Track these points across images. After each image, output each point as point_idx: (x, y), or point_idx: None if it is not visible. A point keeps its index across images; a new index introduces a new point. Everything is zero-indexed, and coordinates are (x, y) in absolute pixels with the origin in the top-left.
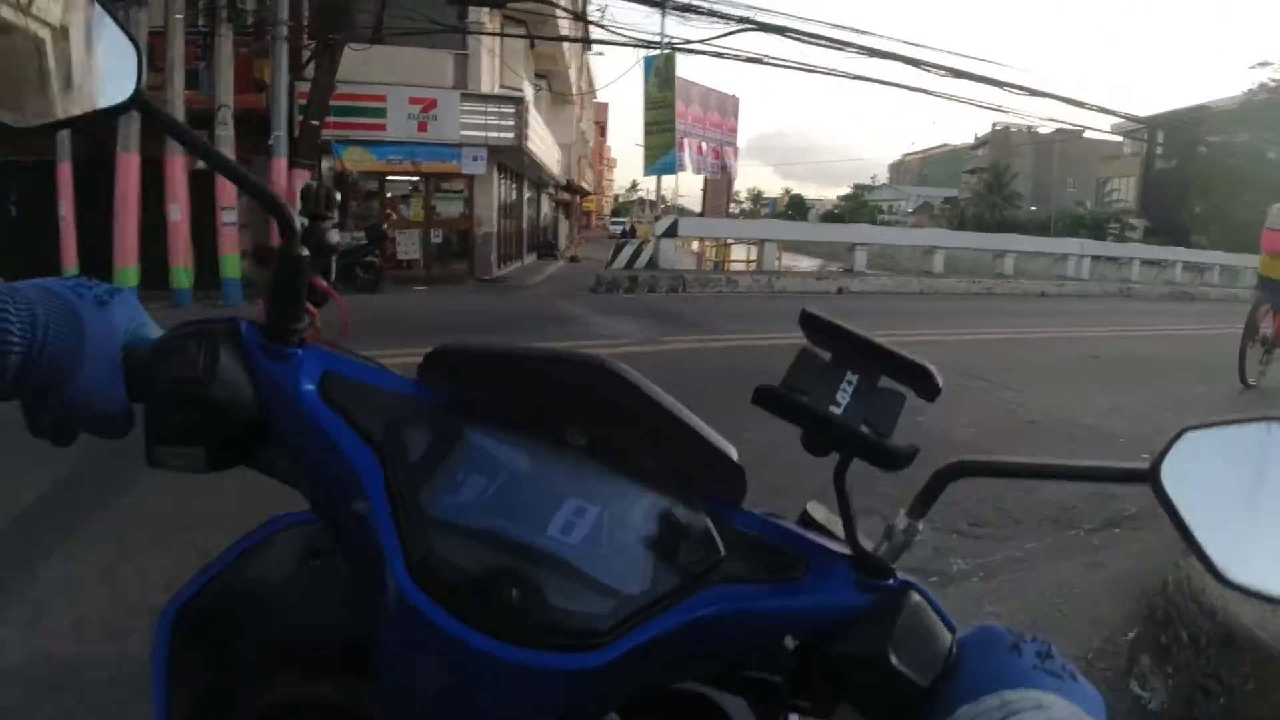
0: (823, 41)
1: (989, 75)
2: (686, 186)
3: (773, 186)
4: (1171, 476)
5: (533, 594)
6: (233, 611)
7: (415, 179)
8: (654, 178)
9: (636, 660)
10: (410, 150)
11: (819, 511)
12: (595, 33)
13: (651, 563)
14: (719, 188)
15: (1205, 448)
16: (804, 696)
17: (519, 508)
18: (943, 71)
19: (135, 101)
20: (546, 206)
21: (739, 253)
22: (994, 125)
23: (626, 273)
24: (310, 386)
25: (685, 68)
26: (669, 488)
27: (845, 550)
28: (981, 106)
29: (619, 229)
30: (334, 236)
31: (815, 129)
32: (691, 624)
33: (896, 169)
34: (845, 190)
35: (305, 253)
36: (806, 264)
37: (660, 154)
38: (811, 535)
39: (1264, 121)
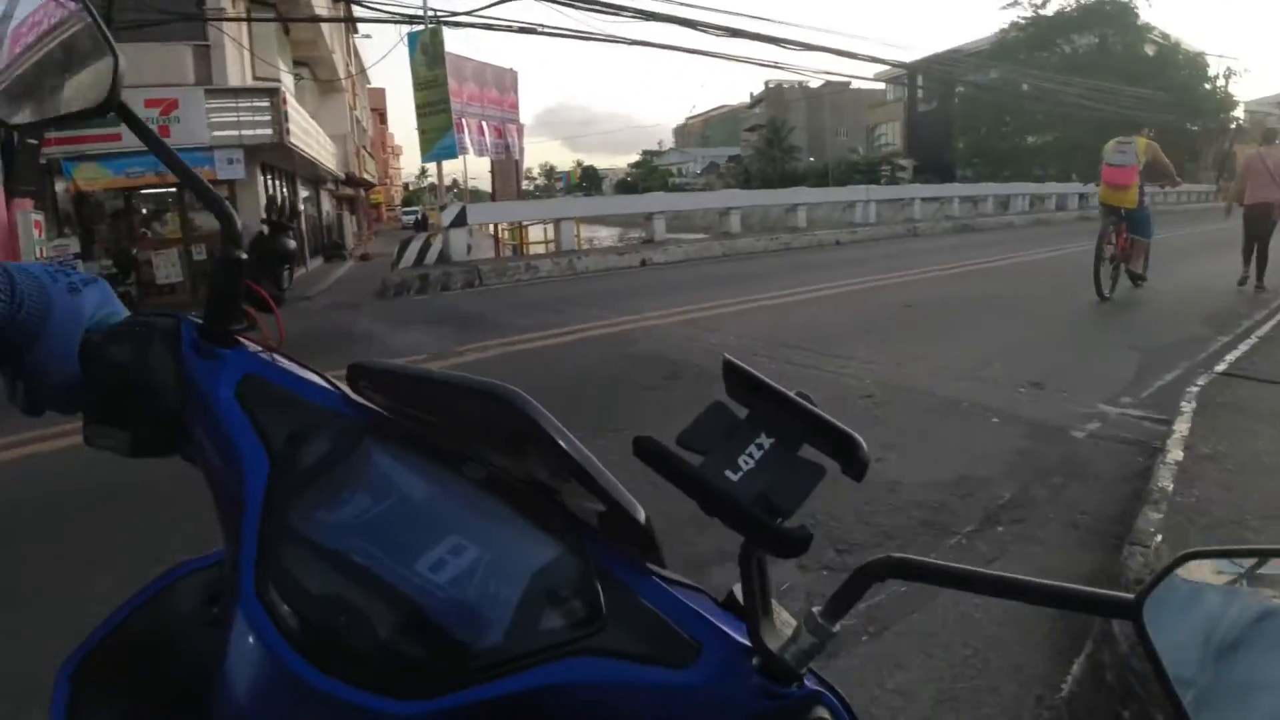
0: (597, 6)
1: (764, 32)
2: (479, 169)
3: (564, 160)
4: (1161, 614)
5: (362, 626)
6: (132, 663)
7: (173, 190)
8: (438, 164)
9: (466, 718)
10: (153, 160)
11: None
12: (356, 11)
13: (518, 618)
14: (507, 168)
15: (1204, 578)
16: None
17: (393, 536)
18: (719, 31)
19: (112, 104)
20: (328, 204)
21: (537, 233)
22: (767, 83)
23: (416, 271)
24: (228, 387)
25: (458, 43)
26: (562, 538)
27: (748, 644)
28: (759, 64)
29: (412, 219)
30: (290, 244)
31: (600, 99)
32: (543, 691)
33: (681, 133)
34: (635, 157)
35: (242, 255)
36: (606, 234)
37: (438, 137)
38: (717, 619)
39: (1015, 58)
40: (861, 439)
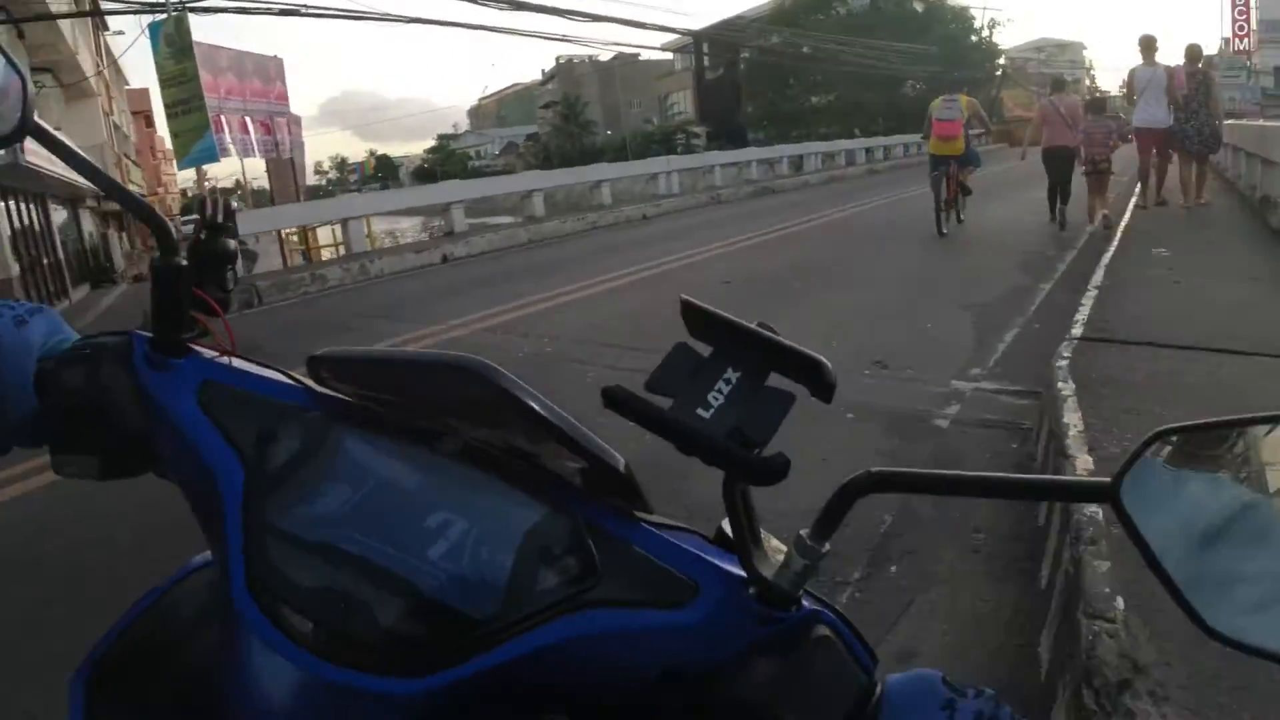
0: None
1: (549, 4)
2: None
3: (357, 150)
4: (1137, 494)
5: (359, 612)
6: (146, 663)
7: None
8: (197, 170)
9: (477, 688)
10: None
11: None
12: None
13: (513, 583)
14: (284, 166)
15: (1178, 456)
16: None
17: (378, 520)
18: (504, 5)
19: (26, 128)
20: (90, 224)
21: (327, 235)
22: (558, 59)
23: None
24: (188, 396)
25: (214, 33)
26: (547, 499)
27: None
28: (547, 38)
29: (191, 229)
30: (230, 244)
31: (390, 83)
32: (550, 649)
33: (476, 114)
34: (431, 143)
35: (182, 262)
36: (409, 225)
37: (194, 139)
38: (710, 555)
39: (794, 21)
40: (825, 360)
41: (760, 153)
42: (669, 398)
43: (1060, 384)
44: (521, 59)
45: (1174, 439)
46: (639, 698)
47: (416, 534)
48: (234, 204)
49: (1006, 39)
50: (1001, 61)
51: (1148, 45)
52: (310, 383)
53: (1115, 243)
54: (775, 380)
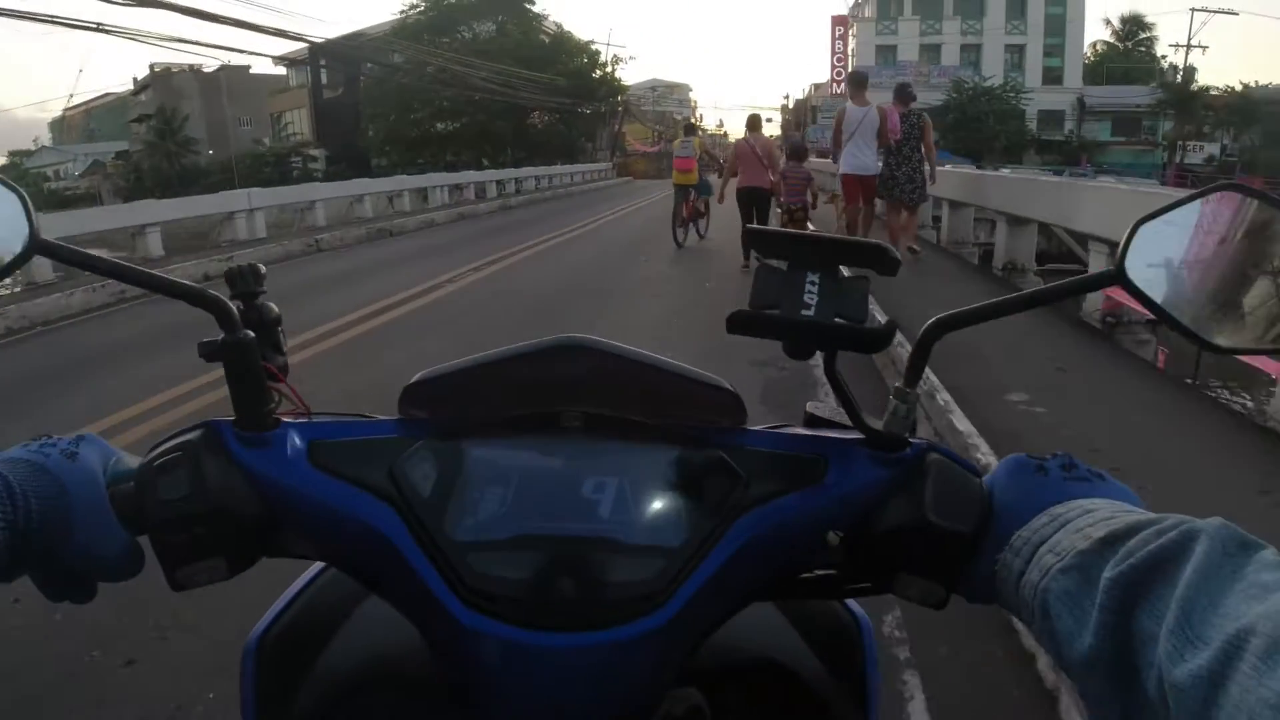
0: None
1: None
2: None
3: None
4: (1136, 270)
5: (585, 579)
6: (311, 637)
7: None
8: None
9: (698, 606)
10: None
11: (821, 409)
12: None
13: (682, 512)
14: None
15: (1159, 234)
16: (861, 579)
17: (541, 504)
18: None
19: (35, 246)
20: None
21: None
22: (153, 66)
23: None
24: (300, 462)
25: None
26: (674, 436)
27: (857, 436)
28: (146, 41)
29: None
30: (274, 309)
31: None
32: (736, 555)
33: (60, 126)
34: (3, 161)
35: (250, 335)
36: None
37: None
38: (821, 432)
39: (418, 41)
40: (883, 243)
41: (376, 184)
42: (774, 309)
43: None
44: (120, 64)
45: (1155, 220)
46: (822, 559)
47: (582, 503)
48: (261, 266)
49: (625, 76)
50: (623, 97)
51: (859, 83)
52: (394, 416)
53: None
54: (847, 272)
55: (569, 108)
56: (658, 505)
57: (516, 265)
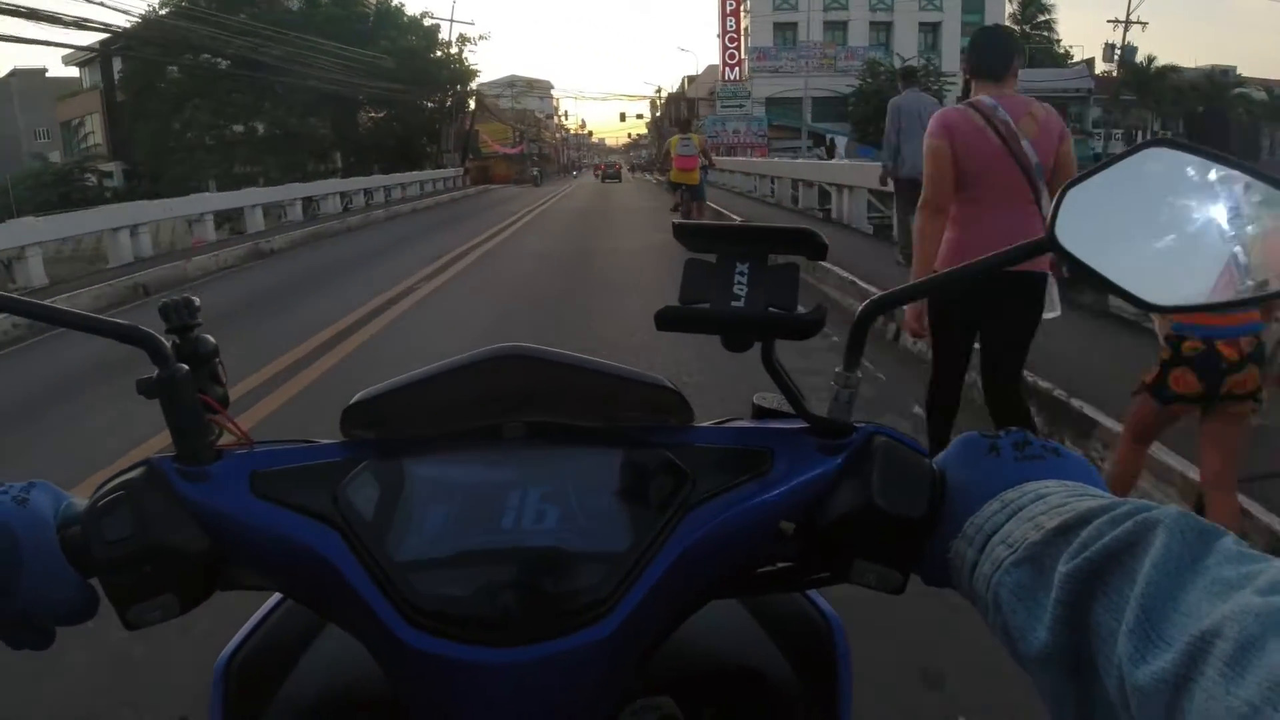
0: None
1: None
2: None
3: None
4: (1067, 234)
5: (528, 591)
6: (274, 664)
7: None
8: None
9: (648, 609)
10: None
11: (768, 399)
12: None
13: (628, 515)
14: None
15: (1090, 198)
16: (819, 570)
17: (484, 517)
18: None
19: None
20: None
21: None
22: None
23: None
24: (242, 492)
25: None
26: (618, 439)
27: (803, 425)
28: None
29: None
30: (210, 340)
31: None
32: (685, 554)
33: None
34: None
35: (184, 369)
36: None
37: None
38: (768, 423)
39: (202, 21)
40: (810, 227)
41: (126, 213)
42: (703, 303)
43: None
44: None
45: (1083, 184)
46: (777, 551)
47: (525, 513)
48: (194, 299)
49: (482, 69)
50: (475, 86)
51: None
52: (335, 439)
53: None
54: (775, 260)
55: (404, 99)
56: (602, 510)
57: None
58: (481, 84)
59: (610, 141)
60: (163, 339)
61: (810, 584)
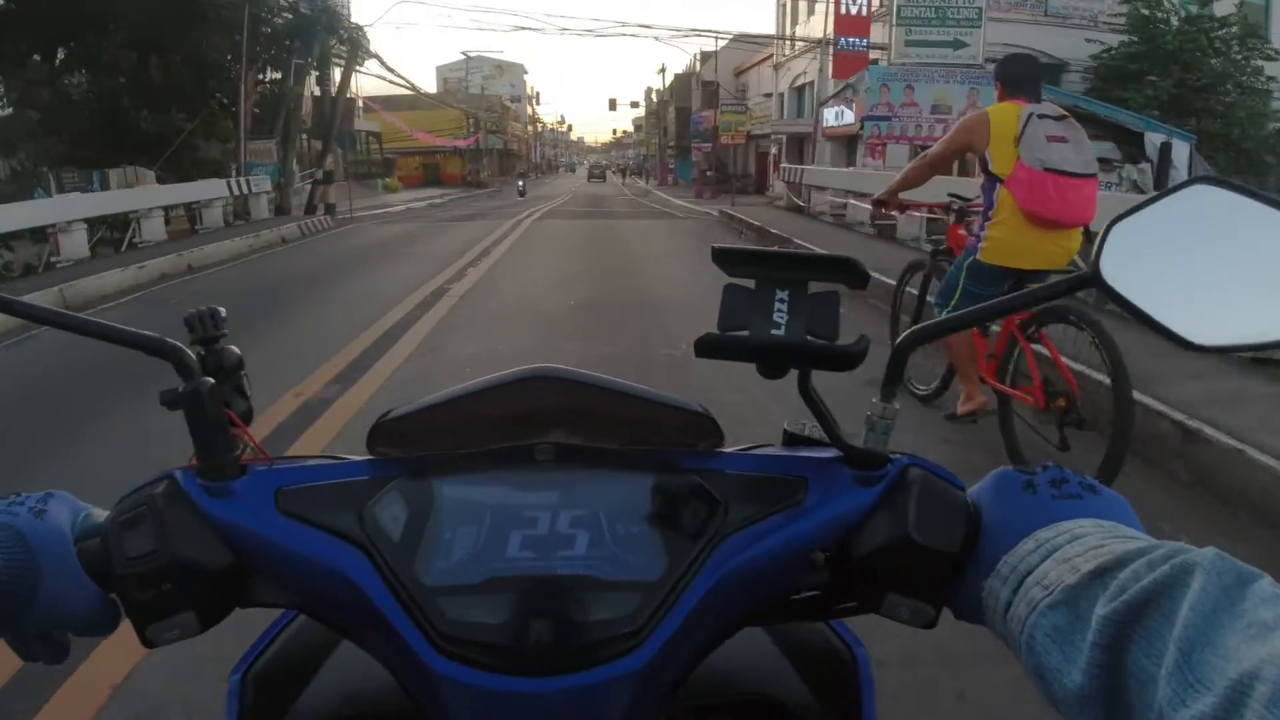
0: None
1: None
2: None
3: None
4: (1113, 271)
5: (560, 621)
6: (291, 677)
7: None
8: None
9: (681, 639)
10: None
11: (799, 427)
12: None
13: (660, 543)
14: None
15: (1136, 233)
16: (849, 600)
17: (514, 543)
18: None
19: None
20: None
21: None
22: None
23: None
24: (267, 509)
25: None
26: (649, 464)
27: (837, 454)
28: None
29: None
30: (235, 352)
31: None
32: (718, 584)
33: None
34: None
35: (209, 381)
36: None
37: None
38: (801, 452)
39: None
40: (850, 256)
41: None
42: (743, 330)
43: None
44: None
45: (1130, 218)
46: (808, 581)
47: (556, 539)
48: (220, 309)
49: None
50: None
51: None
52: (363, 457)
53: None
54: (815, 287)
55: (216, 65)
56: (634, 537)
57: None
58: (439, 66)
59: (590, 140)
60: (189, 351)
61: (838, 613)
